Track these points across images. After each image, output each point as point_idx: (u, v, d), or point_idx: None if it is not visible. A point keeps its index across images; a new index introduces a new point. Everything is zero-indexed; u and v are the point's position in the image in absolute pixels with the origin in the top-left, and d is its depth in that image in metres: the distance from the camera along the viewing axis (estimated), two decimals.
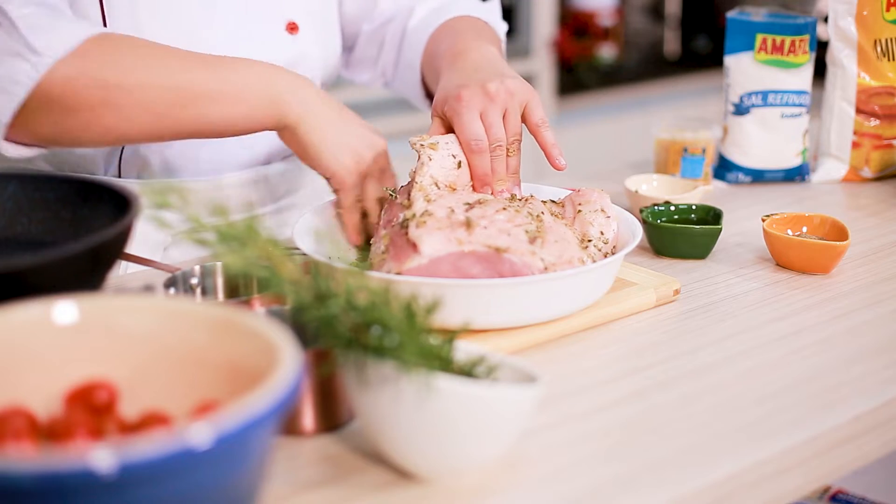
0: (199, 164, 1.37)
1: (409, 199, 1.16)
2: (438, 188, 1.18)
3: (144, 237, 1.36)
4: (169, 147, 1.34)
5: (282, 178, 1.45)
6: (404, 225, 1.11)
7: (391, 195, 1.22)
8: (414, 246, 1.07)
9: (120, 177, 1.35)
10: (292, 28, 1.39)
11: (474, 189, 1.22)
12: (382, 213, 1.21)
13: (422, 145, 1.20)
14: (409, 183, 1.21)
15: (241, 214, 1.40)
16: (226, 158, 1.38)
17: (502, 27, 1.51)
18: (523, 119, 1.24)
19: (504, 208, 1.14)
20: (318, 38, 1.42)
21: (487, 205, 1.15)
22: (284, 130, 1.20)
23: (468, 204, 1.15)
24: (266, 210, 1.44)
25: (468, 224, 1.10)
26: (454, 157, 1.21)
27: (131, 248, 1.32)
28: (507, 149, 1.22)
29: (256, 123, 1.20)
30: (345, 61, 1.59)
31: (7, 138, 1.19)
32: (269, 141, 1.40)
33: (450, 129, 1.24)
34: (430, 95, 1.47)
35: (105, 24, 1.26)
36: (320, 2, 1.44)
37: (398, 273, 1.06)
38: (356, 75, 1.60)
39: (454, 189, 1.20)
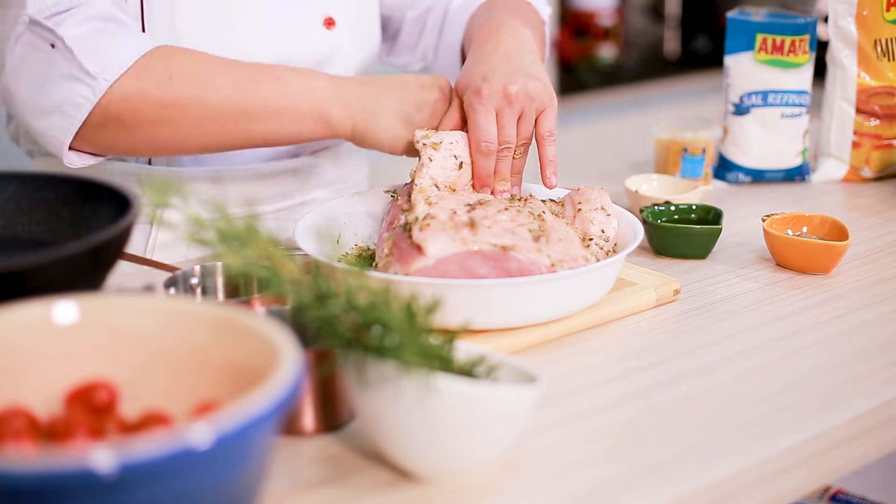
0: (230, 155, 1.37)
1: (409, 202, 1.15)
2: (438, 189, 1.18)
3: (144, 237, 1.37)
4: None
5: (314, 170, 1.45)
6: (407, 228, 1.11)
7: (392, 196, 1.22)
8: (419, 248, 1.07)
9: (150, 164, 1.37)
10: (329, 23, 1.39)
11: (474, 188, 1.22)
12: (384, 214, 1.21)
13: (424, 144, 1.20)
14: (409, 183, 1.20)
15: (265, 208, 1.41)
16: (259, 149, 1.38)
17: (546, 9, 1.49)
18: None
19: (506, 208, 1.14)
20: (355, 34, 1.43)
21: (489, 205, 1.15)
22: (352, 139, 1.23)
23: (469, 205, 1.15)
24: (293, 203, 1.44)
25: (472, 224, 1.10)
26: (456, 157, 1.20)
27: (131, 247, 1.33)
28: (515, 151, 1.22)
29: (307, 137, 1.24)
30: (388, 49, 1.58)
31: (70, 148, 1.24)
32: None
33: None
34: None
35: (143, 15, 1.28)
36: None
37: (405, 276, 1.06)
38: (395, 59, 1.59)
39: (454, 190, 1.20)
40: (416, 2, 1.53)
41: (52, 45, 1.18)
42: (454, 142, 1.21)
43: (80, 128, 1.20)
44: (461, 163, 1.20)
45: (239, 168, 1.38)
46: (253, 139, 1.24)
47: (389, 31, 1.56)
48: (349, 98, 1.22)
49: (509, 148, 1.21)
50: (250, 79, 1.22)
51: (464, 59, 1.45)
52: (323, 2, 1.39)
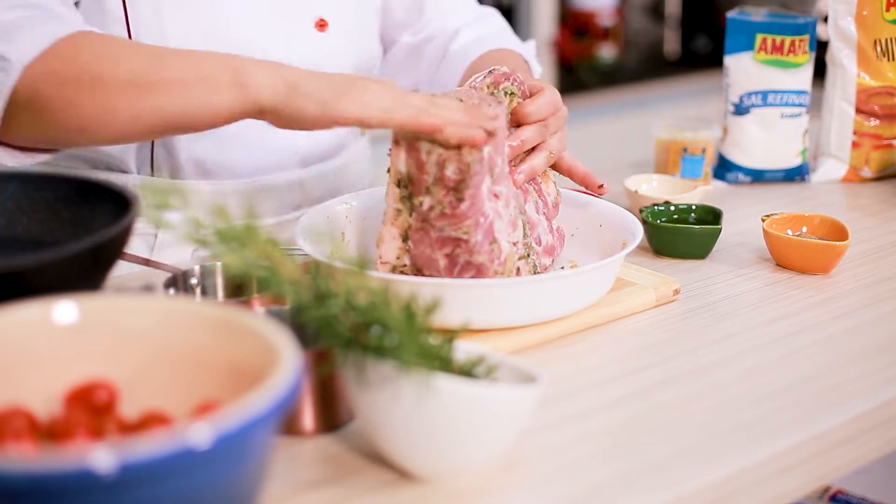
0: (235, 166, 1.37)
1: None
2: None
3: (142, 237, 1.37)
4: (201, 147, 1.34)
5: (318, 181, 1.44)
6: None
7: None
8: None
9: (153, 176, 1.36)
10: (321, 25, 1.38)
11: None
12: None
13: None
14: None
15: (267, 220, 1.39)
16: (262, 162, 1.38)
17: (538, 69, 1.50)
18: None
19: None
20: (350, 38, 1.41)
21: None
22: (268, 115, 1.12)
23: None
24: (296, 215, 1.43)
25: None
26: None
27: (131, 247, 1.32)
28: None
29: (222, 110, 1.12)
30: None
31: (2, 143, 1.19)
32: (307, 143, 1.40)
33: None
34: None
35: (128, 21, 1.26)
36: (354, 1, 1.43)
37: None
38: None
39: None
40: (415, 27, 1.52)
41: None
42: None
43: (4, 119, 1.15)
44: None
45: (241, 181, 1.38)
46: (164, 115, 1.14)
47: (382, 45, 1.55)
48: (275, 66, 1.13)
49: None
50: (161, 54, 1.15)
51: None
52: (315, 3, 1.38)
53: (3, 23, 1.16)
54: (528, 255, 1.14)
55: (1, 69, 1.14)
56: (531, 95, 1.20)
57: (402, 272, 1.11)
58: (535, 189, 1.20)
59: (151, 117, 1.14)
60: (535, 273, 1.15)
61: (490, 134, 1.06)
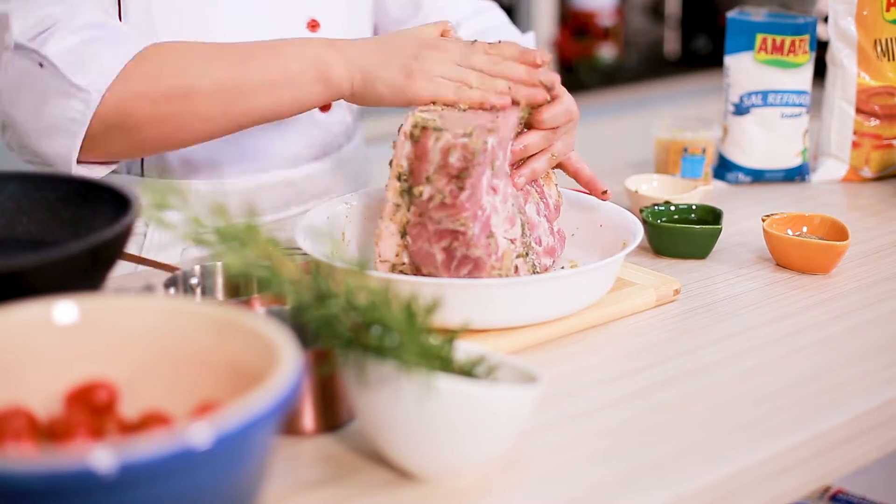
0: (225, 165, 1.37)
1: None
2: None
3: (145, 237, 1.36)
4: (191, 147, 1.34)
5: (310, 181, 1.44)
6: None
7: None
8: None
9: (143, 177, 1.36)
10: (313, 26, 1.38)
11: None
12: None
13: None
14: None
15: (264, 218, 1.40)
16: (252, 161, 1.38)
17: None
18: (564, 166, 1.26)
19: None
20: (342, 37, 1.42)
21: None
22: (350, 98, 1.21)
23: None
24: (292, 213, 1.44)
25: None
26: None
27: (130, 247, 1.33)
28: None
29: (309, 102, 1.21)
30: None
31: (79, 161, 1.23)
32: (297, 143, 1.40)
33: None
34: None
35: (120, 19, 1.27)
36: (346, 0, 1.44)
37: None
38: None
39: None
40: (412, 22, 1.52)
41: (41, 65, 1.18)
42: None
43: (84, 140, 1.20)
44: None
45: (235, 180, 1.38)
46: (255, 115, 1.22)
47: None
48: (347, 55, 1.19)
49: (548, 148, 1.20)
50: (242, 56, 1.21)
51: None
52: (306, 3, 1.38)
53: (69, 50, 1.18)
54: (527, 254, 1.14)
55: (80, 100, 1.18)
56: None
57: (401, 271, 1.11)
58: (536, 191, 1.20)
59: (245, 118, 1.22)
60: (534, 273, 1.15)
61: (550, 89, 1.17)
